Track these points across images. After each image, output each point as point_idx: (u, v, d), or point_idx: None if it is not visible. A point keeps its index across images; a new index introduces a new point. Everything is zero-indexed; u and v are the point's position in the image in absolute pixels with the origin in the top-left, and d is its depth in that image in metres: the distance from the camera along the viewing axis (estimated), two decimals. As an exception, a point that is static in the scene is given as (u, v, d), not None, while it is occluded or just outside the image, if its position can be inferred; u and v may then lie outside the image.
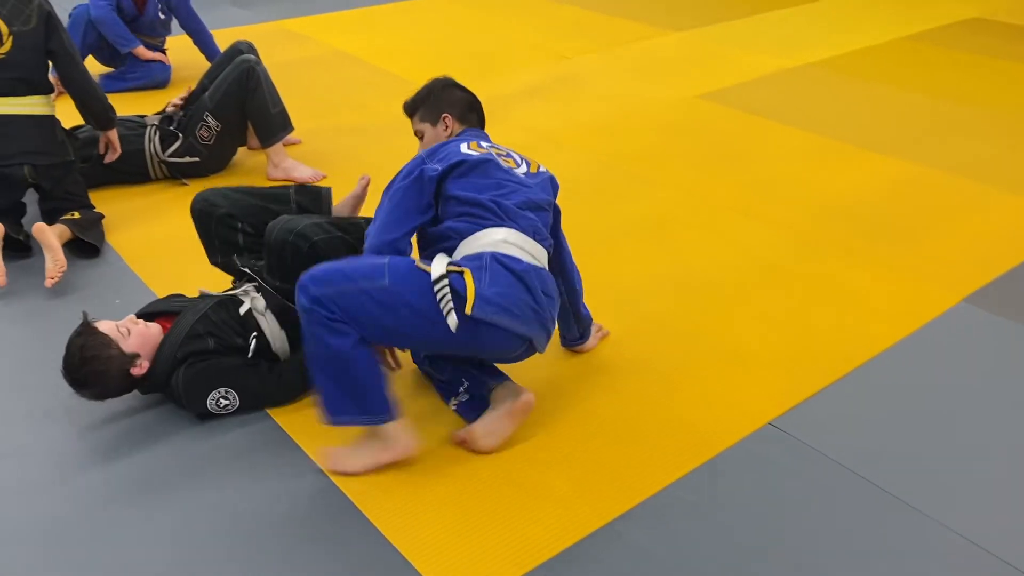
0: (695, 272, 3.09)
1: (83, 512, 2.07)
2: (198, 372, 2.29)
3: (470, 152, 2.27)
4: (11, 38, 3.05)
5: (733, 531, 2.01)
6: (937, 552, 1.97)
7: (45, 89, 3.18)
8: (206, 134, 3.72)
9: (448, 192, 2.21)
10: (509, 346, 2.17)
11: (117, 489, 2.14)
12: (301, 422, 2.33)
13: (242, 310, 2.44)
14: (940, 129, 4.47)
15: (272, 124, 3.76)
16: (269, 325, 2.45)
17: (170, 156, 3.71)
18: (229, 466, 2.20)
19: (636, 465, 2.19)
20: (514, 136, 4.24)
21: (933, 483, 2.16)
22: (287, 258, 2.42)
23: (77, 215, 3.22)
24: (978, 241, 3.33)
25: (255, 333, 2.42)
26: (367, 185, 2.82)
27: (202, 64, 4.83)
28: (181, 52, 5.18)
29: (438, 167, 2.21)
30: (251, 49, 3.91)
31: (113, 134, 3.46)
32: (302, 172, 3.81)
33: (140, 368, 2.28)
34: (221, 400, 2.31)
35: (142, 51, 4.87)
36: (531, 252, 2.18)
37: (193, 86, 3.88)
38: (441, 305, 2.02)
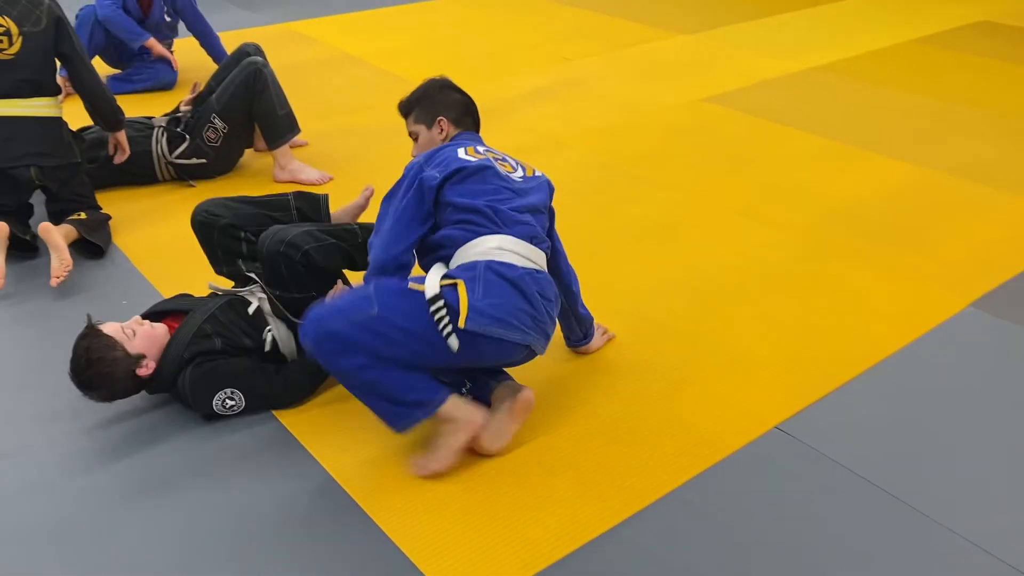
0: (699, 274, 3.09)
1: (89, 512, 2.08)
2: (205, 372, 2.29)
3: (468, 158, 2.26)
4: (20, 39, 3.06)
5: (739, 535, 2.01)
6: (942, 556, 1.96)
7: (52, 91, 3.19)
8: (213, 136, 3.73)
9: (445, 198, 2.20)
10: (508, 355, 2.18)
11: (123, 489, 2.15)
12: (306, 423, 2.34)
13: (251, 310, 2.45)
14: (947, 132, 4.46)
15: (279, 126, 3.77)
16: (277, 326, 2.45)
17: (177, 157, 3.72)
18: (235, 467, 2.21)
19: (641, 468, 2.19)
20: (519, 138, 4.24)
21: (938, 487, 2.15)
22: (281, 268, 2.42)
23: (84, 215, 3.23)
24: (985, 245, 3.32)
25: (269, 327, 2.43)
26: (370, 196, 2.83)
27: (209, 66, 4.85)
28: (188, 54, 5.19)
29: (437, 174, 2.20)
30: (258, 51, 3.92)
31: (122, 135, 3.47)
32: (309, 174, 3.81)
33: (146, 369, 2.29)
34: (227, 401, 2.31)
35: (153, 43, 4.87)
36: (527, 256, 2.17)
37: (201, 84, 3.89)
38: (440, 327, 2.03)
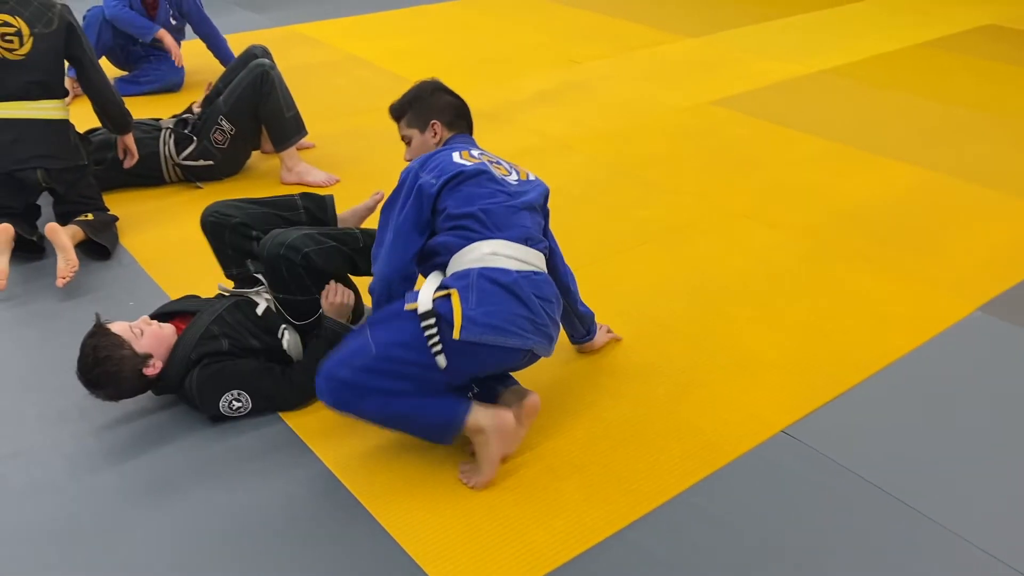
0: (706, 277, 3.08)
1: (95, 512, 2.08)
2: (212, 374, 2.30)
3: (464, 162, 2.25)
4: (32, 39, 3.08)
5: (745, 539, 2.01)
6: (950, 561, 1.95)
7: (60, 93, 3.20)
8: (220, 138, 3.73)
9: (441, 205, 2.20)
10: (509, 361, 2.18)
11: (129, 489, 2.15)
12: (313, 425, 2.34)
13: (259, 310, 2.45)
14: (954, 135, 4.45)
15: (286, 128, 3.77)
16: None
17: (184, 159, 3.73)
18: (240, 468, 2.21)
19: (647, 472, 2.19)
20: (525, 140, 4.24)
21: (946, 492, 2.14)
22: (282, 271, 2.42)
23: (90, 216, 3.24)
24: (992, 248, 3.31)
25: (284, 326, 2.44)
26: (380, 200, 2.83)
27: (215, 67, 4.86)
28: (195, 56, 5.21)
29: (434, 180, 2.19)
30: (266, 53, 3.93)
31: (130, 139, 3.49)
32: (315, 176, 3.82)
33: (153, 368, 2.29)
34: (234, 402, 2.32)
35: (164, 34, 4.87)
36: (522, 259, 2.16)
37: (214, 81, 3.90)
38: (429, 344, 2.04)
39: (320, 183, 3.78)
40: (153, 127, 3.76)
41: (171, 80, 5.01)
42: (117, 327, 2.29)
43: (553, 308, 2.20)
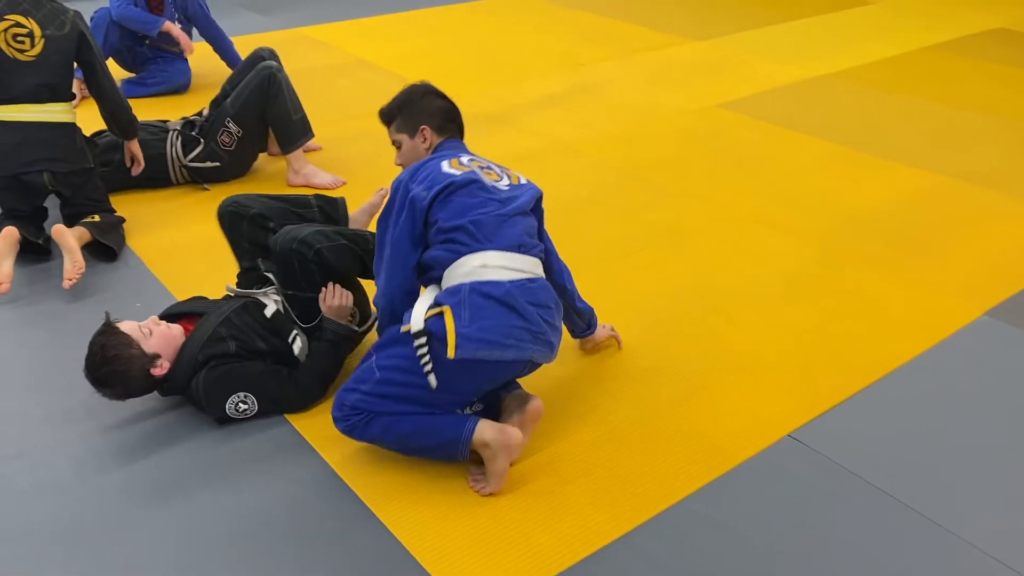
0: (712, 281, 3.08)
1: (100, 512, 2.09)
2: (219, 376, 2.30)
3: (453, 171, 2.22)
4: (43, 41, 3.09)
5: (751, 544, 2.00)
6: (957, 566, 1.94)
7: (68, 96, 3.21)
8: (227, 139, 3.74)
9: (433, 217, 2.18)
10: (510, 372, 2.18)
11: (134, 490, 2.15)
12: (318, 427, 2.34)
13: (268, 312, 2.45)
14: (963, 139, 4.44)
15: (293, 130, 3.78)
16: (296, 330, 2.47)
17: (192, 161, 3.74)
18: (246, 469, 2.21)
19: (653, 476, 2.18)
20: (532, 144, 4.24)
21: (953, 497, 2.13)
22: (294, 266, 2.43)
23: (97, 218, 3.25)
24: (1001, 253, 3.30)
25: (295, 331, 2.44)
26: (385, 196, 2.83)
27: (223, 70, 4.87)
28: (202, 59, 5.22)
29: (425, 193, 2.18)
30: (273, 56, 3.94)
31: (135, 145, 3.50)
32: (322, 178, 3.82)
33: (160, 369, 2.30)
34: (240, 405, 2.32)
35: (170, 25, 4.87)
36: (515, 267, 2.15)
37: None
38: (421, 364, 2.06)
39: (327, 185, 3.78)
40: (160, 129, 3.77)
41: (178, 82, 5.02)
42: (126, 326, 2.30)
43: (551, 313, 2.19)
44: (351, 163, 4.05)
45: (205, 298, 2.63)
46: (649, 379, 2.55)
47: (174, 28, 4.87)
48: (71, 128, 3.22)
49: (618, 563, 1.94)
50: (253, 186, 3.81)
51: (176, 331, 2.37)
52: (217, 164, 3.77)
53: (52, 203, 3.37)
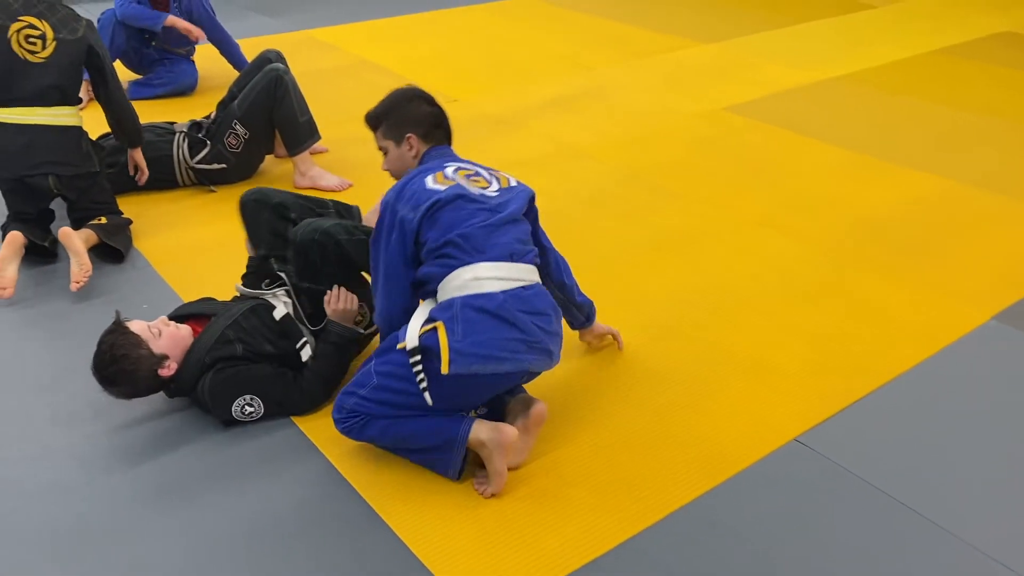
0: (719, 284, 3.07)
1: (106, 514, 2.09)
2: (225, 378, 2.31)
3: (438, 187, 2.19)
4: (55, 43, 3.11)
5: (756, 548, 1.99)
6: (963, 571, 1.94)
7: (75, 100, 3.23)
8: (234, 141, 3.75)
9: (423, 237, 2.17)
10: (507, 383, 2.18)
11: (141, 492, 2.16)
12: (324, 429, 2.34)
13: (277, 314, 2.46)
14: (970, 143, 4.43)
15: (300, 132, 3.79)
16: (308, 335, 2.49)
17: (198, 163, 3.75)
18: (252, 471, 2.22)
19: (658, 480, 2.18)
20: (540, 147, 4.25)
21: (960, 502, 2.13)
22: (315, 257, 2.45)
23: (104, 220, 3.25)
24: (1008, 257, 3.29)
25: (305, 339, 2.46)
26: None
27: (229, 72, 4.88)
28: (208, 60, 5.23)
29: (412, 215, 2.16)
30: (280, 58, 3.94)
31: (139, 153, 3.52)
32: (329, 181, 3.83)
33: (168, 369, 2.30)
34: (246, 407, 2.32)
35: (175, 20, 4.87)
36: (508, 277, 2.13)
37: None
38: (417, 380, 2.06)
39: (333, 187, 3.79)
40: (167, 130, 3.78)
41: (184, 83, 5.03)
42: (136, 326, 2.31)
43: (548, 320, 2.16)
44: (358, 165, 4.05)
45: (215, 299, 2.64)
46: (653, 383, 2.55)
47: (179, 21, 4.87)
48: (77, 132, 3.23)
49: (623, 567, 1.94)
50: (260, 188, 3.82)
51: (185, 332, 2.38)
52: (224, 166, 3.78)
53: (59, 205, 3.38)
